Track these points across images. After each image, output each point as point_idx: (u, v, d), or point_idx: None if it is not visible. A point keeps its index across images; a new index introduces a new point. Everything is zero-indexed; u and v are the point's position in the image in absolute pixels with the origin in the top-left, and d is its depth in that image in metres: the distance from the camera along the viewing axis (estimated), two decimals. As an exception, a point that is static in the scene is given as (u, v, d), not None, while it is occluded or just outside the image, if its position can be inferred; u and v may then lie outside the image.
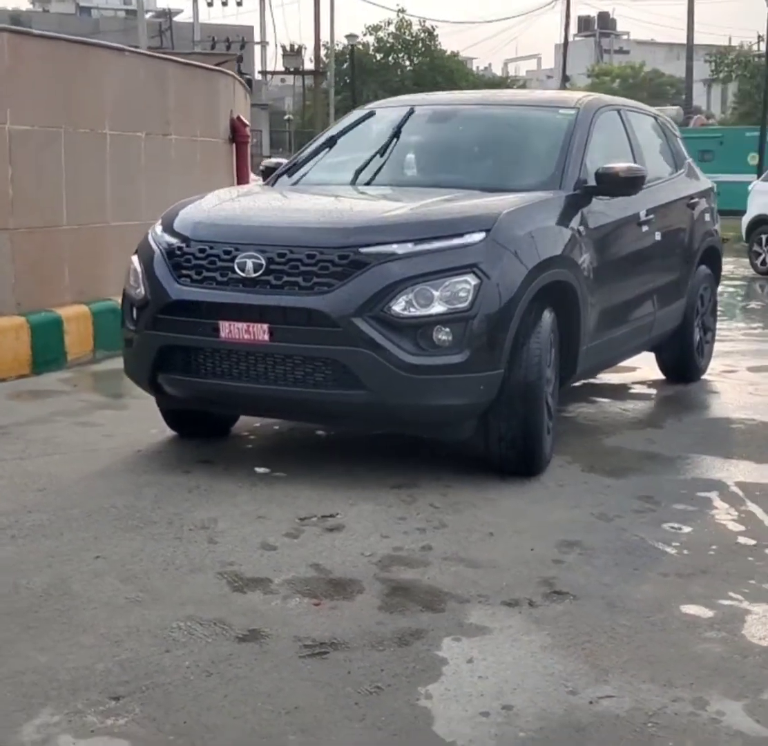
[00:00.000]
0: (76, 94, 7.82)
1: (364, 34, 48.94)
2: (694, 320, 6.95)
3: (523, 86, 65.91)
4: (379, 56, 51.02)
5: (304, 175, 6.03)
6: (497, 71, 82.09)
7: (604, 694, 2.92)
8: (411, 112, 6.13)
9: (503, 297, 4.62)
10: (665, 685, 2.97)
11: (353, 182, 5.76)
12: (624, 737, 2.71)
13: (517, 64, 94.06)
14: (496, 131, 5.92)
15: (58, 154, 7.63)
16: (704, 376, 7.31)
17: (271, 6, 36.86)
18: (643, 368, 7.55)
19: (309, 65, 38.07)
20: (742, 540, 4.16)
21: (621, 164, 5.56)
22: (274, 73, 34.37)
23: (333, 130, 6.43)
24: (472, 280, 4.54)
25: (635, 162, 6.01)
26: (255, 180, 10.90)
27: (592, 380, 6.96)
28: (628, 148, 6.20)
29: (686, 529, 4.27)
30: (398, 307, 4.49)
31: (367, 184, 5.72)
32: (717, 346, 7.77)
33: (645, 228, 6.03)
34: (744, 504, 4.58)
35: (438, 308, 4.51)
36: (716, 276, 7.42)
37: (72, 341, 7.51)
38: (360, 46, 47.08)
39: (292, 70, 34.66)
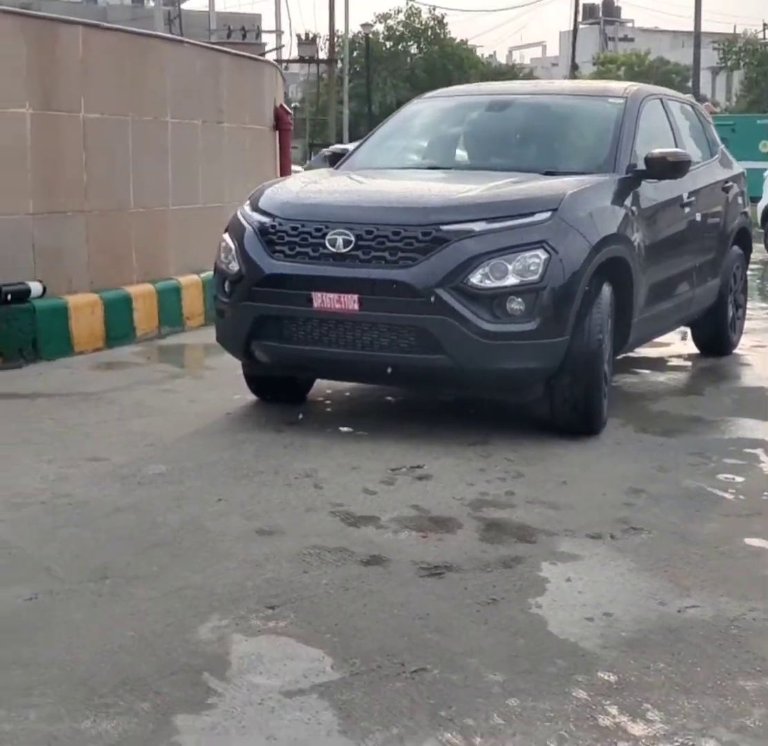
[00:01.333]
0: (141, 84, 8.27)
1: (374, 23, 49.32)
2: (728, 297, 7.41)
3: (530, 74, 66.19)
4: (388, 44, 51.37)
5: (370, 160, 6.48)
6: (502, 59, 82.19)
7: (689, 605, 3.40)
8: (468, 100, 6.59)
9: (569, 270, 5.08)
10: (741, 599, 3.45)
11: (420, 166, 6.22)
12: (711, 636, 3.19)
13: (522, 51, 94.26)
14: (551, 119, 6.38)
15: (125, 140, 8.09)
16: (736, 351, 7.76)
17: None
18: (677, 344, 8.02)
19: (321, 54, 38.47)
20: (791, 487, 4.64)
21: (669, 149, 6.02)
22: (289, 61, 34.86)
23: (394, 119, 6.89)
24: (542, 254, 5.01)
25: (677, 147, 6.45)
26: (296, 168, 11.37)
27: (630, 355, 7.42)
28: (671, 134, 6.65)
29: (739, 479, 4.73)
30: (475, 279, 4.95)
31: (433, 168, 6.18)
32: (744, 325, 8.21)
33: (687, 209, 6.49)
34: (788, 459, 5.06)
35: (511, 280, 4.98)
36: (747, 256, 7.87)
37: (140, 317, 7.97)
38: (369, 35, 47.44)
39: (307, 58, 35.06)
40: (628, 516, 4.22)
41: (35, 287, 7.12)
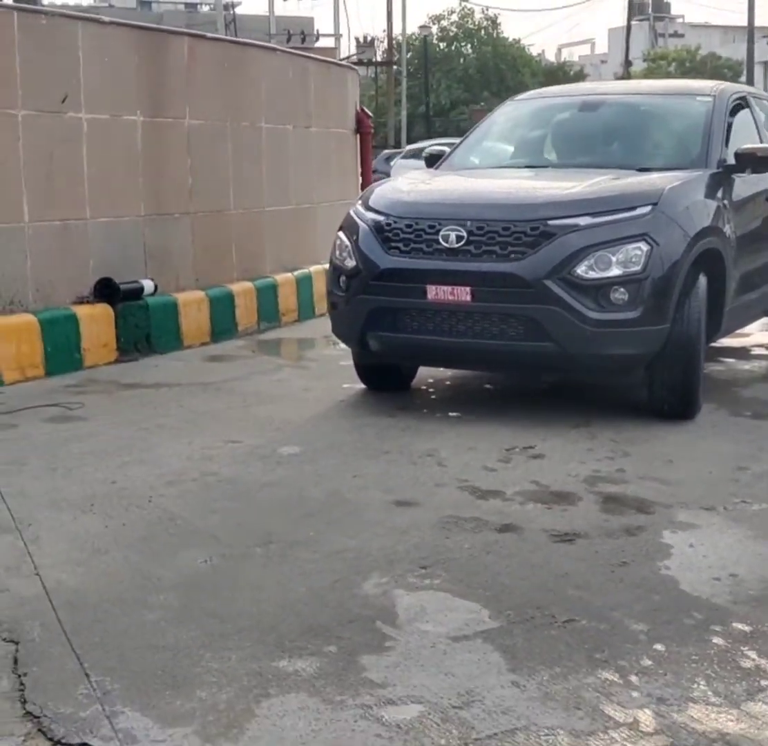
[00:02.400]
0: (238, 91, 8.68)
1: (428, 24, 49.60)
2: (809, 288, 7.63)
3: (580, 72, 66.12)
4: (442, 45, 51.65)
5: (467, 160, 6.81)
6: (551, 57, 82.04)
7: (807, 566, 3.70)
8: (560, 102, 6.90)
9: (669, 261, 5.38)
10: None
11: (517, 165, 6.54)
12: (832, 593, 3.48)
13: (571, 49, 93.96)
14: (643, 117, 6.68)
15: (225, 145, 8.49)
16: (818, 340, 8.01)
17: (345, -1, 37.74)
18: (756, 334, 8.27)
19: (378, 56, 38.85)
20: None
21: (758, 145, 6.30)
22: (349, 65, 35.23)
23: (487, 121, 7.22)
24: (644, 246, 5.31)
25: (762, 143, 6.72)
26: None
27: (714, 344, 7.68)
28: (756, 130, 6.91)
29: (838, 457, 5.01)
30: (581, 270, 5.27)
31: (530, 167, 6.50)
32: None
33: (772, 203, 6.75)
34: None
35: (615, 271, 5.29)
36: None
37: (241, 313, 8.38)
38: (426, 37, 47.73)
39: (365, 60, 35.49)
40: (736, 491, 4.51)
41: (148, 285, 7.54)
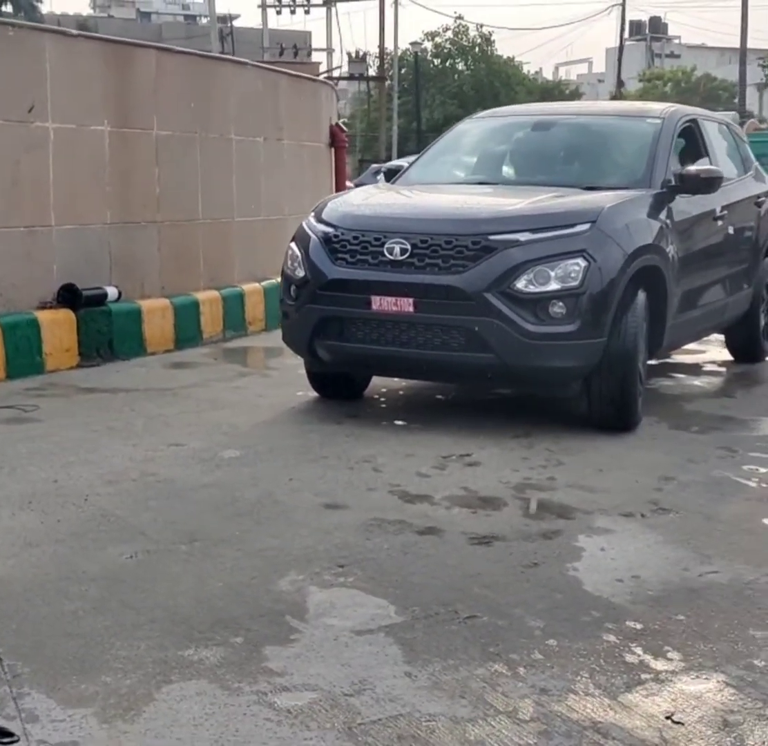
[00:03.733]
0: (208, 103, 8.85)
1: (423, 41, 49.91)
2: (760, 306, 7.81)
3: (576, 90, 66.54)
4: (436, 62, 51.95)
5: (423, 175, 6.97)
6: (548, 75, 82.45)
7: (709, 570, 3.85)
8: (515, 121, 7.08)
9: (607, 277, 5.55)
10: (757, 565, 3.89)
11: (469, 182, 6.71)
12: (727, 596, 3.63)
13: (569, 68, 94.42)
14: (592, 137, 6.85)
15: (194, 156, 8.66)
16: (769, 358, 8.17)
17: (337, 14, 38.02)
18: (712, 351, 8.43)
19: (370, 71, 39.15)
20: (810, 477, 5.05)
21: (701, 166, 6.47)
22: (339, 78, 35.58)
23: (445, 138, 7.39)
24: (582, 262, 5.47)
25: (711, 164, 6.89)
26: (349, 185, 11.89)
27: (667, 360, 7.87)
28: (705, 152, 7.08)
29: (763, 470, 5.15)
30: (521, 284, 5.43)
31: (481, 183, 6.67)
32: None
33: (720, 222, 6.92)
34: (810, 453, 5.47)
35: (554, 286, 5.45)
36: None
37: (206, 321, 8.53)
38: (418, 53, 48.01)
39: (357, 76, 35.78)
40: (658, 499, 4.67)
41: (111, 292, 7.68)
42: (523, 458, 5.28)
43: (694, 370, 7.84)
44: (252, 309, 9.15)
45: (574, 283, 5.46)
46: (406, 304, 5.54)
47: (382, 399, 6.61)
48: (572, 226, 5.56)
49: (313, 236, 5.94)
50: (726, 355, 8.18)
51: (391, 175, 7.18)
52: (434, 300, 5.51)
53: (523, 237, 5.50)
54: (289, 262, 6.09)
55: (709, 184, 6.36)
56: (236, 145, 9.16)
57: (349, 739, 2.72)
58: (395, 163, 7.51)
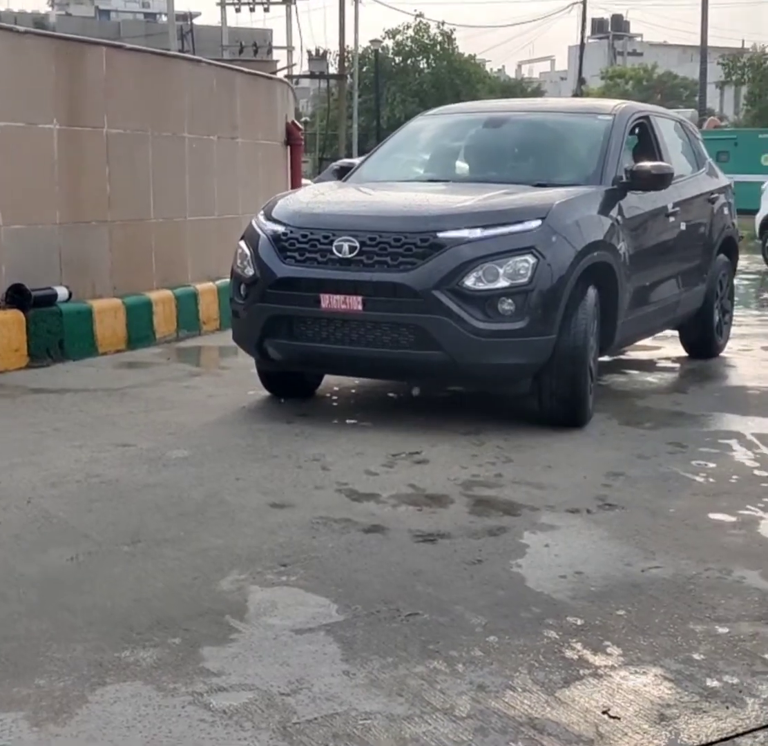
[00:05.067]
0: (160, 101, 8.78)
1: (384, 39, 49.86)
2: (713, 302, 7.85)
3: (538, 88, 66.86)
4: (397, 60, 51.95)
5: (375, 173, 6.95)
6: (511, 73, 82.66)
7: (652, 565, 3.85)
8: (467, 118, 7.07)
9: (556, 274, 5.55)
10: (699, 561, 3.90)
11: (421, 179, 6.71)
12: (669, 590, 3.64)
13: (531, 66, 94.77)
14: (543, 134, 6.86)
15: (146, 155, 8.59)
16: (723, 354, 8.20)
17: (297, 12, 37.91)
18: (667, 347, 8.47)
19: (331, 69, 39.07)
20: (757, 472, 5.07)
21: (652, 163, 6.49)
22: (299, 76, 35.52)
23: (397, 135, 7.38)
24: (530, 259, 5.47)
25: (663, 161, 6.91)
26: (306, 182, 11.87)
27: (621, 356, 7.89)
28: (657, 149, 7.10)
29: (711, 465, 5.18)
30: (469, 281, 5.43)
31: (433, 180, 6.66)
32: (734, 330, 8.66)
33: (672, 219, 6.95)
34: (759, 448, 5.48)
35: (502, 283, 5.45)
36: (733, 264, 8.33)
37: (159, 321, 8.46)
38: (378, 51, 47.99)
39: (317, 73, 35.73)
40: (605, 495, 4.67)
41: (61, 292, 7.60)
42: (473, 455, 5.27)
43: (648, 366, 7.87)
44: (206, 308, 9.09)
45: (523, 280, 5.45)
46: (355, 302, 5.52)
47: (334, 397, 6.59)
48: (521, 222, 5.56)
49: (262, 234, 5.91)
50: (680, 351, 8.21)
51: (343, 173, 7.16)
52: (383, 298, 5.49)
53: (472, 234, 5.49)
54: (239, 261, 6.05)
55: (660, 180, 6.38)
56: (189, 144, 9.10)
57: (284, 739, 2.70)
58: (347, 160, 7.46)
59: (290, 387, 6.42)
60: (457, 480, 4.86)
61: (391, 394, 6.70)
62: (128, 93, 8.35)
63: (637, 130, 6.96)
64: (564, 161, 6.61)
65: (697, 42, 44.42)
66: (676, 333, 8.13)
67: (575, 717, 2.83)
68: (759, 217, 16.33)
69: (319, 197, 6.22)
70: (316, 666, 3.08)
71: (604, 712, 2.86)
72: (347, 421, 5.90)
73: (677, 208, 7.00)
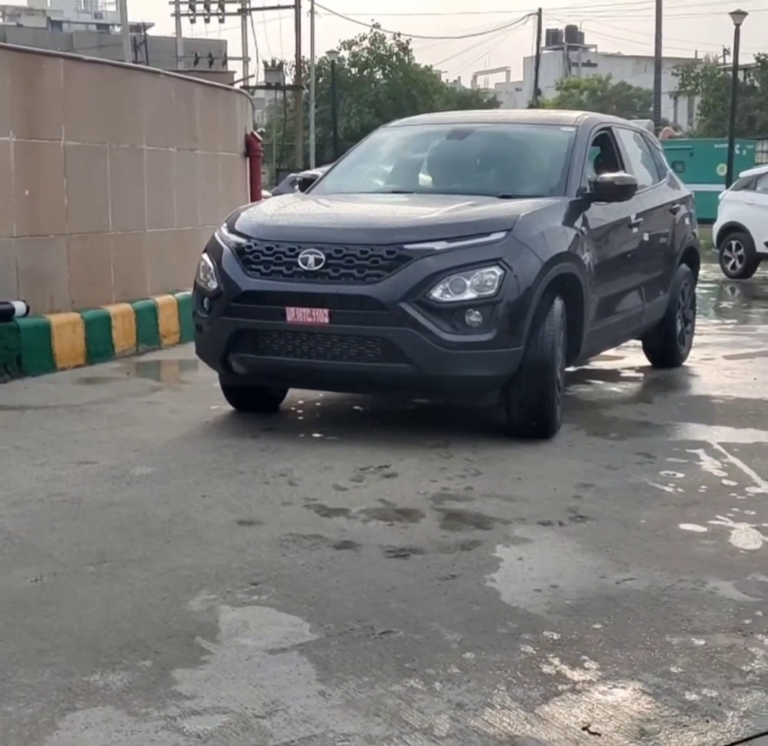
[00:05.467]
0: (119, 113, 8.68)
1: (340, 49, 49.87)
2: (676, 312, 7.88)
3: (494, 99, 67.15)
4: (353, 71, 51.99)
5: (338, 185, 6.91)
6: (467, 84, 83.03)
7: (626, 577, 3.83)
8: (430, 129, 7.06)
9: (523, 285, 5.53)
10: (673, 572, 3.88)
11: (385, 191, 6.67)
12: (644, 603, 3.61)
13: (487, 77, 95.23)
14: (507, 146, 6.85)
15: (104, 167, 8.48)
16: (685, 363, 8.23)
17: (253, 23, 37.84)
18: (630, 357, 8.49)
19: (287, 79, 39.04)
20: (726, 482, 5.07)
21: (616, 174, 6.50)
22: (256, 87, 35.44)
23: (360, 146, 7.34)
24: (497, 271, 5.45)
25: (626, 172, 6.93)
26: (265, 193, 11.81)
27: (585, 367, 7.90)
28: (619, 160, 7.12)
29: (679, 475, 5.17)
30: (437, 293, 5.39)
31: (397, 192, 6.63)
32: (696, 339, 8.70)
33: (635, 230, 6.96)
34: (726, 458, 5.49)
35: (470, 294, 5.42)
36: (695, 274, 8.37)
37: (118, 335, 8.35)
38: (335, 61, 48.00)
39: (274, 84, 35.65)
40: (576, 507, 4.65)
41: (19, 306, 7.48)
42: (442, 468, 5.23)
43: (612, 376, 7.87)
44: (166, 321, 8.99)
45: (490, 292, 5.43)
46: (322, 315, 5.46)
47: (299, 411, 6.52)
48: (487, 234, 5.54)
49: (225, 247, 5.84)
50: (643, 361, 8.23)
51: (306, 185, 7.11)
52: (350, 310, 5.44)
53: (438, 246, 5.45)
54: (202, 274, 5.98)
55: (623, 191, 6.39)
56: (148, 156, 9.01)
57: (261, 764, 2.64)
58: (310, 172, 7.41)
59: (254, 402, 6.35)
60: (427, 494, 4.81)
61: (356, 407, 6.65)
62: (86, 105, 8.25)
63: (599, 141, 6.97)
64: (528, 173, 6.61)
65: (651, 53, 44.89)
66: (638, 343, 8.16)
67: (555, 734, 2.79)
68: (717, 227, 16.48)
69: (283, 209, 6.16)
70: (291, 687, 3.02)
71: (584, 728, 2.83)
72: (314, 435, 5.84)
73: (640, 219, 7.02)
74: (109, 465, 5.21)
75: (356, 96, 50.16)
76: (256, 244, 5.69)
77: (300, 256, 5.52)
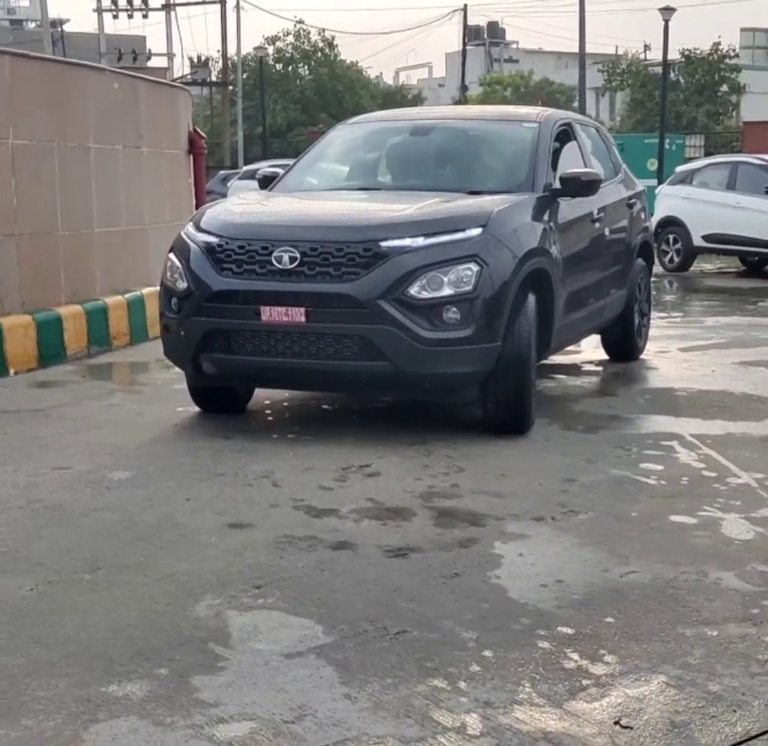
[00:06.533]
0: (65, 111, 8.49)
1: (264, 45, 49.51)
2: (634, 306, 7.95)
3: (419, 95, 67.23)
4: (278, 66, 51.69)
5: (301, 182, 6.85)
6: (389, 80, 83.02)
7: (629, 571, 3.84)
8: (391, 125, 7.02)
9: (499, 281, 5.52)
10: (673, 564, 3.90)
11: (350, 187, 6.62)
12: (651, 595, 3.62)
13: (409, 73, 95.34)
14: (471, 142, 6.85)
15: (52, 166, 8.30)
16: (642, 356, 8.31)
17: (177, 18, 37.37)
18: (586, 351, 8.55)
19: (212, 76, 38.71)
20: (706, 473, 5.11)
21: (582, 169, 6.53)
22: (183, 84, 34.95)
23: (320, 143, 7.28)
24: (474, 267, 5.43)
25: (586, 167, 6.96)
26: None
27: (545, 362, 7.90)
28: (580, 155, 7.16)
29: (659, 467, 5.20)
30: (414, 290, 5.36)
31: (363, 189, 6.58)
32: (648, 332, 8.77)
33: (597, 225, 7.00)
34: (701, 449, 5.54)
35: (447, 291, 5.40)
36: (650, 268, 8.45)
37: (70, 338, 8.16)
38: (263, 58, 47.68)
39: (200, 81, 35.29)
40: (565, 501, 4.65)
41: (-29, 310, 7.30)
42: (424, 466, 5.20)
43: (573, 370, 7.91)
44: (116, 323, 8.82)
45: (468, 288, 5.41)
46: (298, 314, 5.40)
47: (267, 412, 6.44)
48: (463, 230, 5.51)
49: (193, 246, 5.74)
50: (601, 355, 8.29)
51: (267, 182, 7.02)
52: (326, 309, 5.38)
53: (414, 243, 5.42)
54: (169, 274, 5.87)
55: (589, 186, 6.42)
56: (95, 154, 8.83)
57: (299, 770, 2.59)
58: (269, 169, 7.31)
59: (221, 403, 6.26)
60: (414, 492, 4.78)
61: (325, 406, 6.59)
62: (33, 102, 8.07)
63: (560, 137, 6.99)
64: (494, 169, 6.61)
65: (571, 48, 45.25)
66: (594, 337, 8.20)
67: (589, 729, 2.78)
68: (654, 221, 16.66)
69: (251, 207, 6.08)
70: (315, 691, 2.97)
71: (615, 723, 2.82)
72: (288, 436, 5.77)
73: (601, 214, 7.06)
74: (85, 470, 5.09)
75: (281, 92, 49.89)
76: (227, 243, 5.60)
77: (274, 254, 5.45)
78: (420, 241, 5.42)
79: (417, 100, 62.94)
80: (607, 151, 8.02)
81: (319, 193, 6.61)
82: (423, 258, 5.38)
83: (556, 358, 8.11)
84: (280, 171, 7.15)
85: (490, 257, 5.49)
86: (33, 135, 8.08)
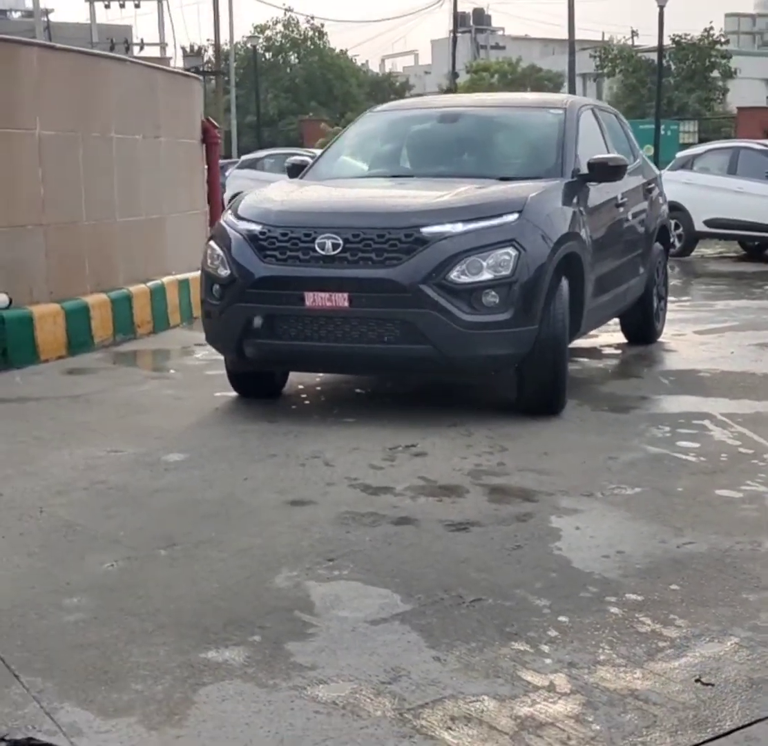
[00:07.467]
0: (89, 101, 8.59)
1: (254, 34, 49.49)
2: (652, 289, 8.09)
3: (406, 83, 67.17)
4: (268, 55, 51.67)
5: (332, 170, 6.96)
6: (375, 68, 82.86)
7: (685, 542, 3.99)
8: (419, 113, 7.15)
9: (536, 265, 5.65)
10: (727, 535, 4.05)
11: (383, 175, 6.75)
12: (711, 564, 3.77)
13: (394, 60, 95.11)
14: (500, 129, 6.98)
15: (76, 156, 8.39)
16: (660, 339, 8.45)
17: (169, 7, 37.25)
18: (602, 335, 8.68)
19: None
20: (742, 450, 5.26)
21: (609, 155, 6.67)
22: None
23: (349, 132, 7.40)
24: (512, 251, 5.57)
25: (610, 152, 7.10)
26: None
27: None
28: (603, 141, 7.29)
29: (696, 445, 5.35)
30: (454, 275, 5.49)
31: (395, 176, 6.71)
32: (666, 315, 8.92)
33: (621, 209, 7.14)
34: (733, 427, 5.68)
35: (486, 275, 5.53)
36: (667, 251, 8.59)
37: (97, 326, 8.26)
38: (250, 46, 47.65)
39: (193, 70, 35.24)
40: (610, 478, 4.79)
41: (1, 299, 7.40)
42: (467, 445, 5.33)
43: (594, 353, 8.05)
44: (140, 311, 8.92)
45: (506, 272, 5.55)
46: (341, 299, 5.53)
47: (303, 395, 6.56)
48: (500, 216, 5.65)
49: (235, 234, 5.86)
50: (617, 338, 8.43)
51: (296, 171, 7.12)
52: (369, 294, 5.51)
53: (454, 228, 5.55)
54: (210, 261, 5.98)
55: (615, 172, 6.56)
56: (116, 144, 8.92)
57: (404, 724, 2.73)
58: (298, 158, 7.42)
59: (259, 388, 6.38)
60: (462, 470, 4.92)
61: (358, 390, 6.72)
62: (60, 93, 8.16)
63: (586, 123, 7.11)
64: (524, 155, 6.74)
65: (558, 35, 45.26)
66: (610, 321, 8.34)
67: (673, 686, 2.93)
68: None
69: (291, 195, 6.20)
70: (405, 654, 3.11)
71: (696, 680, 2.96)
72: (329, 418, 5.90)
73: (625, 199, 7.19)
74: (139, 453, 5.21)
75: (271, 81, 49.89)
76: (269, 230, 5.72)
77: (317, 241, 5.57)
78: (459, 227, 5.55)
79: (404, 88, 62.97)
80: (626, 136, 8.15)
81: (351, 180, 6.73)
82: (462, 243, 5.51)
83: (576, 342, 8.23)
84: (309, 159, 7.27)
85: (526, 242, 5.62)
86: (59, 125, 8.17)
